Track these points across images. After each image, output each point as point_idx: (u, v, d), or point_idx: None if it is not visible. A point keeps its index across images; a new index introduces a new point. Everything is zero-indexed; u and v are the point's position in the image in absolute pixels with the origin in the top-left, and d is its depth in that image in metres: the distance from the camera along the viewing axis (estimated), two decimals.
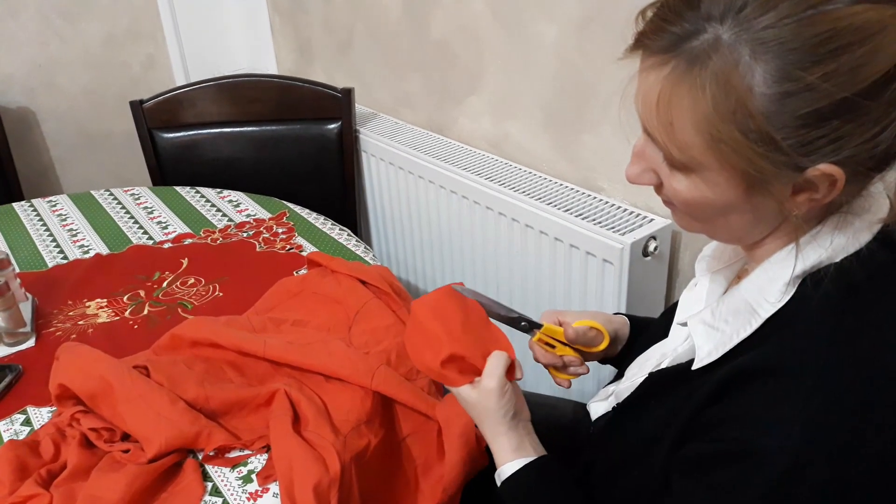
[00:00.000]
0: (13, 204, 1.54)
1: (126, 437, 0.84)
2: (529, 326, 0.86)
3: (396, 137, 1.69)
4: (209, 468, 0.82)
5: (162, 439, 0.80)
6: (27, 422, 0.91)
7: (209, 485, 0.80)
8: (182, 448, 0.82)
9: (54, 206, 1.53)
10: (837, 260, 0.55)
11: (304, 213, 1.43)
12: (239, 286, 1.19)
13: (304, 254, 1.27)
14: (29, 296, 1.16)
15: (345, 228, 1.36)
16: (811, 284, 0.56)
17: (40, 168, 2.26)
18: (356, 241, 1.31)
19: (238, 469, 0.82)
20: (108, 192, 1.58)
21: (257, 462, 0.83)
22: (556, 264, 1.29)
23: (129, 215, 1.47)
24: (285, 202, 1.48)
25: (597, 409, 0.85)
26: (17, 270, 1.24)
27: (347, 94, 1.72)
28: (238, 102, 1.76)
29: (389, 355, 0.97)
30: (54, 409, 0.90)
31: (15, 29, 2.09)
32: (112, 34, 2.24)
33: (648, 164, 0.60)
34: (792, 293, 0.57)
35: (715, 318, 0.62)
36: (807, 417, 0.51)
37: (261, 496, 0.78)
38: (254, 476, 0.81)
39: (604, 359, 0.92)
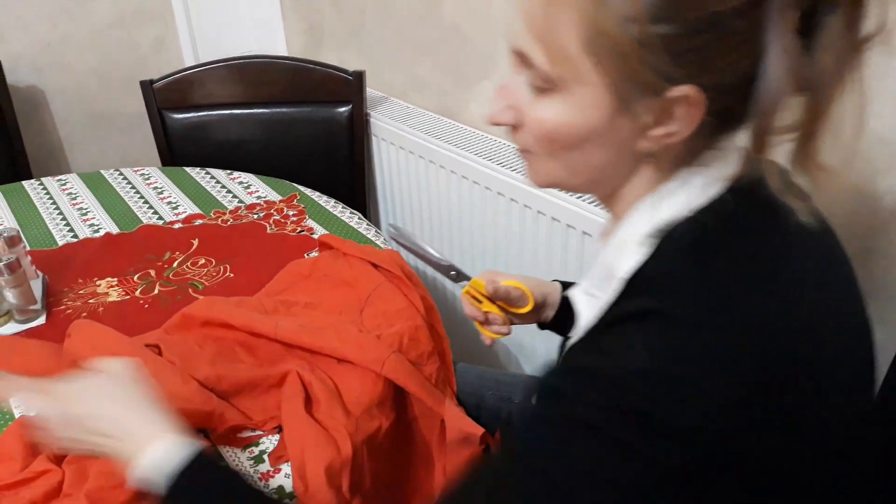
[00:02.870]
0: (23, 182, 1.54)
1: None
2: (458, 277, 0.89)
3: (407, 121, 1.68)
4: (221, 448, 0.82)
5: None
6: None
7: (221, 465, 0.80)
8: (193, 427, 0.81)
9: (64, 184, 1.52)
10: (689, 212, 0.55)
11: (314, 195, 1.42)
12: (249, 267, 1.18)
13: (314, 236, 1.26)
14: (39, 273, 1.15)
15: (356, 212, 1.35)
16: (665, 239, 0.55)
17: (49, 147, 2.25)
18: (367, 224, 1.30)
19: (250, 449, 0.82)
20: (117, 172, 1.58)
21: (269, 443, 0.83)
22: (568, 250, 1.28)
23: (138, 195, 1.46)
24: (296, 185, 1.47)
25: None
26: (28, 248, 1.24)
27: (359, 77, 1.70)
28: (248, 84, 1.75)
29: (402, 338, 0.96)
30: None
31: (24, 7, 2.08)
32: (121, 14, 2.22)
33: (511, 100, 0.59)
34: (649, 250, 0.55)
35: (591, 285, 0.63)
36: (654, 355, 0.49)
37: (272, 476, 0.78)
38: (265, 456, 0.81)
39: (542, 325, 0.93)
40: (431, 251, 0.91)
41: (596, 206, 1.23)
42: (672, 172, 0.57)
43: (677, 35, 0.49)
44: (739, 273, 0.51)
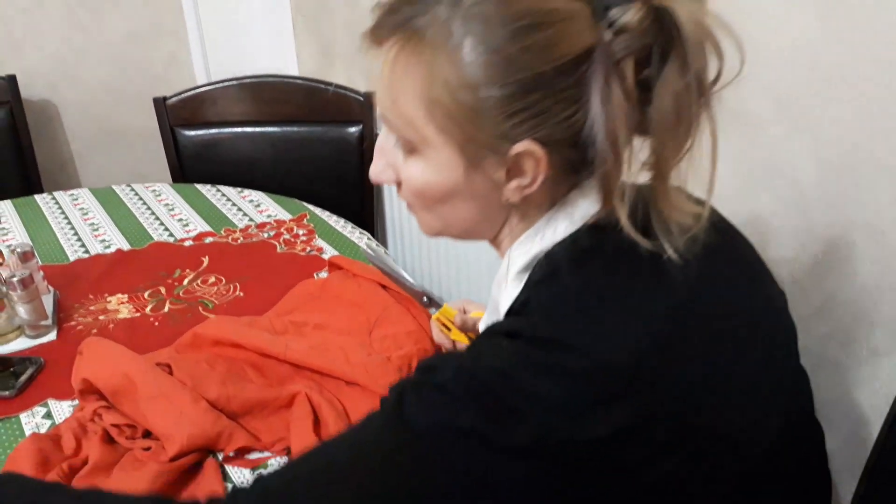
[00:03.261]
0: (35, 196, 1.55)
1: (147, 434, 0.84)
2: (430, 303, 0.91)
3: None
4: (229, 469, 0.82)
5: (183, 438, 0.80)
6: (48, 415, 0.91)
7: (229, 486, 0.80)
8: (203, 448, 0.82)
9: (76, 199, 1.53)
10: (548, 248, 0.58)
11: (324, 215, 1.43)
12: (259, 286, 1.19)
13: (324, 256, 1.27)
14: (51, 288, 1.16)
15: (365, 232, 1.36)
16: (531, 274, 0.59)
17: (60, 161, 2.28)
18: (376, 244, 1.31)
19: (258, 471, 0.82)
20: (129, 188, 1.59)
21: (277, 464, 0.83)
22: None
23: (150, 211, 1.47)
24: (306, 204, 1.49)
25: None
26: (40, 263, 1.25)
27: (369, 97, 1.72)
28: (260, 103, 1.77)
29: (410, 361, 0.97)
30: (75, 402, 0.91)
31: (40, 21, 2.11)
32: (135, 30, 2.25)
33: (387, 159, 0.63)
34: (520, 286, 0.59)
35: (489, 319, 0.67)
36: (514, 362, 0.52)
37: None
38: None
39: None
40: (405, 276, 0.92)
41: None
42: (540, 215, 0.61)
43: (506, 97, 0.52)
44: (586, 298, 0.54)
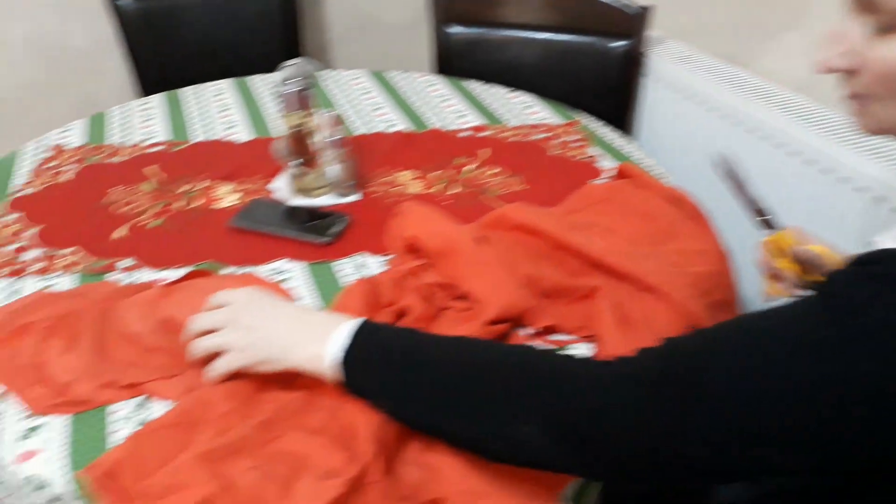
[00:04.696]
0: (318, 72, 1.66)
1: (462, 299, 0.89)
2: (767, 225, 0.89)
3: (688, 65, 1.61)
4: (533, 345, 0.86)
5: (498, 306, 0.84)
6: (359, 266, 0.99)
7: None
8: (514, 319, 0.86)
9: (355, 79, 1.62)
10: None
11: (596, 125, 1.42)
12: (537, 184, 1.21)
13: (597, 165, 1.26)
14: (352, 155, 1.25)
15: (642, 147, 1.33)
16: None
17: (320, 44, 2.41)
18: (652, 161, 1.28)
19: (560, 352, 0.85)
20: (402, 74, 1.65)
21: (579, 350, 0.85)
22: (870, 232, 1.19)
23: (423, 100, 1.53)
24: (577, 111, 1.47)
25: None
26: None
27: (643, 13, 1.65)
28: (530, 6, 1.75)
29: (704, 280, 0.95)
30: (386, 258, 0.98)
31: None
32: None
33: (847, 45, 0.59)
34: None
35: None
36: None
37: None
38: None
39: None
40: (754, 189, 0.89)
41: None
42: None
43: None
44: None
